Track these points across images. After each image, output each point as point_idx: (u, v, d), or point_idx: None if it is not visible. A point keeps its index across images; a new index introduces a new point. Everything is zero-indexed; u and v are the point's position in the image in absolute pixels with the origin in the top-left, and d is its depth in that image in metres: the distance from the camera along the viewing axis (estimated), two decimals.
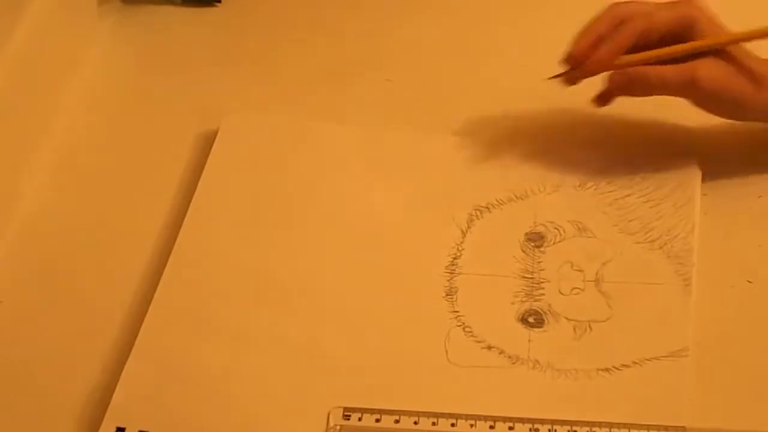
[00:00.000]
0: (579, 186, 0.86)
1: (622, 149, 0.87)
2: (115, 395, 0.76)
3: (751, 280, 0.80)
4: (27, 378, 0.79)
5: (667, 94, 0.81)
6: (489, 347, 0.78)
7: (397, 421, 0.74)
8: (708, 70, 0.79)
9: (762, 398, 0.75)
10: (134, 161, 0.92)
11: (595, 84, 0.85)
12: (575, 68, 0.82)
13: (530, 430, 0.73)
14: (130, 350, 0.78)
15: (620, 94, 0.83)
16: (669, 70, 0.80)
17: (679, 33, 0.80)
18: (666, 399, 0.74)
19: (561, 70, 0.84)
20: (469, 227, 0.85)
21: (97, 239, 0.87)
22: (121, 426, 0.75)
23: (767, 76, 0.80)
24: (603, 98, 0.85)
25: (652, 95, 0.82)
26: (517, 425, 0.73)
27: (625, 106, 0.89)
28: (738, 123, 0.84)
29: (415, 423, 0.74)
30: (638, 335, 0.77)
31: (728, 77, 0.79)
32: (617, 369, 0.76)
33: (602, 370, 0.76)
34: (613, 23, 0.81)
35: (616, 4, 0.82)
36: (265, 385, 0.77)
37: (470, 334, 0.79)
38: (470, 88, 0.95)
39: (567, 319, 0.79)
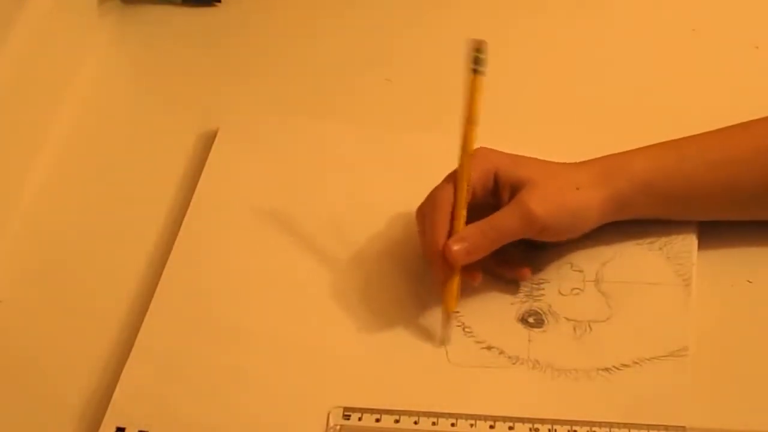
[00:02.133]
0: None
1: (622, 149, 0.87)
2: (115, 395, 0.76)
3: (751, 280, 0.80)
4: (27, 378, 0.79)
5: (511, 240, 0.77)
6: (489, 347, 0.78)
7: (397, 421, 0.74)
8: (536, 198, 0.76)
9: (762, 398, 0.75)
10: (134, 161, 0.92)
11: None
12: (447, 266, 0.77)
13: (530, 430, 0.73)
14: (130, 350, 0.78)
15: (467, 262, 0.76)
16: (503, 217, 0.76)
17: (489, 185, 0.78)
18: (666, 399, 0.74)
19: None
20: None
21: (97, 239, 0.87)
22: (121, 426, 0.75)
23: (585, 180, 0.77)
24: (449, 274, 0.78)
25: (496, 248, 0.77)
26: (517, 425, 0.73)
27: (625, 106, 0.89)
28: None
29: (415, 423, 0.74)
30: (638, 335, 0.77)
31: (557, 194, 0.76)
32: (617, 369, 0.76)
33: (602, 370, 0.76)
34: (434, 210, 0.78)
35: (432, 191, 0.78)
36: (265, 384, 0.77)
37: (470, 334, 0.79)
38: None
39: (567, 319, 0.79)
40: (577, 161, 0.80)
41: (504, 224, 0.76)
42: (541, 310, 0.79)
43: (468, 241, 0.76)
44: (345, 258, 0.83)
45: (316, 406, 0.75)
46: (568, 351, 0.77)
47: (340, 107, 0.94)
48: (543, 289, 0.81)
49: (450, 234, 0.76)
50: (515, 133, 0.90)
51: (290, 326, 0.80)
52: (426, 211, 0.78)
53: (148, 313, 0.80)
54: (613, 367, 0.76)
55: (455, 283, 0.77)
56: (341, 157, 0.90)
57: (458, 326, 0.79)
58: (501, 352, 0.77)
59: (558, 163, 0.79)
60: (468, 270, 0.77)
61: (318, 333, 0.79)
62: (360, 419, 0.74)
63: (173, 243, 0.84)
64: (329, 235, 0.85)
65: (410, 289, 0.81)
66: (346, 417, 0.74)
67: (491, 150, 0.79)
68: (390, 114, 0.94)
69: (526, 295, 0.80)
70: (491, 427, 0.73)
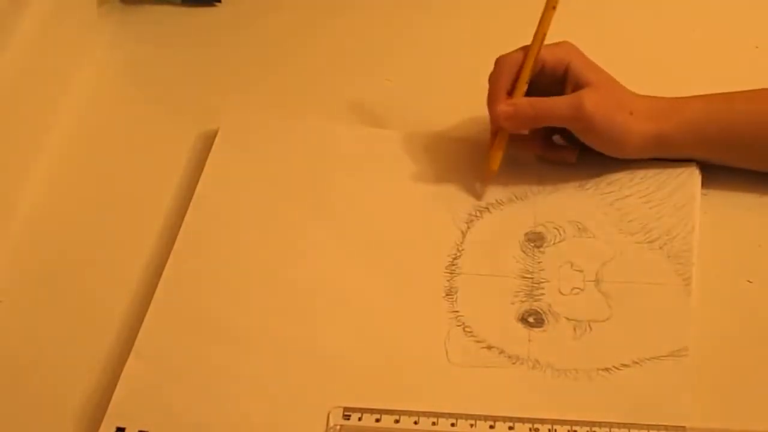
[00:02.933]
0: (579, 186, 0.86)
1: None
2: (115, 395, 0.76)
3: (751, 280, 0.80)
4: (27, 378, 0.79)
5: (556, 124, 0.84)
6: (489, 347, 0.78)
7: (397, 421, 0.74)
8: (592, 99, 0.82)
9: (762, 398, 0.75)
10: (134, 161, 0.92)
11: None
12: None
13: (530, 430, 0.73)
14: (130, 350, 0.78)
15: (512, 128, 0.85)
16: (556, 100, 0.83)
17: (559, 73, 0.84)
18: (666, 399, 0.74)
19: None
20: (469, 227, 0.85)
21: (97, 239, 0.87)
22: (121, 426, 0.75)
23: (640, 110, 0.83)
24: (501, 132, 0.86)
25: (541, 125, 0.85)
26: (517, 425, 0.73)
27: None
28: None
29: (415, 423, 0.74)
30: (638, 335, 0.77)
31: (611, 106, 0.82)
32: (617, 369, 0.76)
33: (602, 370, 0.76)
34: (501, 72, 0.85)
35: (500, 56, 0.86)
36: (266, 385, 0.77)
37: (470, 334, 0.79)
38: (470, 88, 0.95)
39: (567, 319, 0.79)
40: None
41: (554, 105, 0.83)
42: (541, 309, 0.79)
43: (514, 107, 0.83)
44: (345, 258, 0.83)
45: (316, 406, 0.75)
46: (568, 351, 0.77)
47: (340, 107, 0.94)
48: (543, 288, 0.81)
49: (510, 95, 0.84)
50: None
51: (290, 326, 0.80)
52: (493, 72, 0.85)
53: (148, 313, 0.80)
54: (613, 367, 0.76)
55: (498, 143, 0.84)
56: (341, 157, 0.90)
57: (458, 326, 0.79)
58: (501, 352, 0.78)
59: (624, 87, 0.85)
60: (522, 143, 0.86)
61: (318, 333, 0.79)
62: (360, 419, 0.74)
63: (173, 243, 0.84)
64: (329, 235, 0.85)
65: (410, 289, 0.81)
66: (346, 417, 0.74)
67: (573, 46, 0.85)
68: (390, 114, 0.94)
69: (526, 295, 0.80)
70: (491, 427, 0.73)
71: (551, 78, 0.84)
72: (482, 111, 0.89)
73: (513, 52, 0.85)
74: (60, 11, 0.95)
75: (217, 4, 1.05)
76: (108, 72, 1.00)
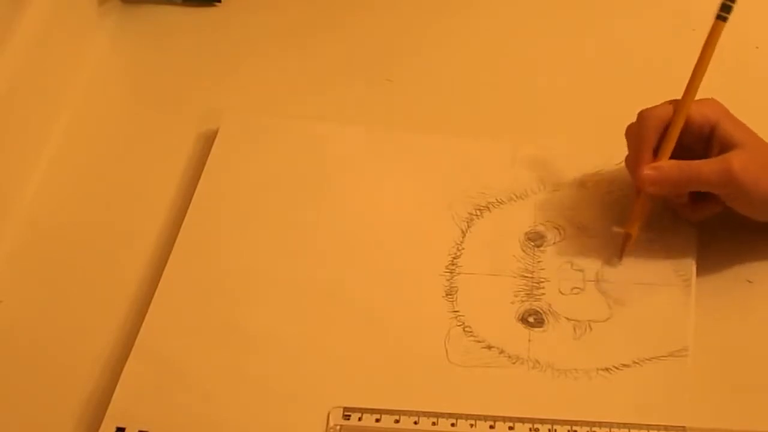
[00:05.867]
0: (579, 186, 0.86)
1: (621, 149, 0.87)
2: (115, 395, 0.76)
3: (751, 280, 0.80)
4: (27, 378, 0.79)
5: (703, 189, 0.79)
6: (489, 347, 0.78)
7: (397, 421, 0.74)
8: (742, 163, 0.77)
9: (762, 398, 0.75)
10: (134, 161, 0.92)
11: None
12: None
13: (530, 430, 0.73)
14: (130, 350, 0.78)
15: (657, 192, 0.79)
16: (704, 164, 0.78)
17: (704, 132, 0.79)
18: (666, 399, 0.74)
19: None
20: (469, 227, 0.85)
21: (97, 239, 0.87)
22: (121, 426, 0.75)
23: None
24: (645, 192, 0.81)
25: (688, 191, 0.80)
26: (517, 425, 0.73)
27: (625, 107, 0.89)
28: None
29: (415, 423, 0.74)
30: (638, 335, 0.77)
31: (761, 170, 0.77)
32: (617, 369, 0.76)
33: (602, 370, 0.76)
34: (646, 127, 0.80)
35: (645, 111, 0.80)
36: (265, 384, 0.77)
37: (470, 334, 0.79)
38: (471, 89, 0.95)
39: (567, 319, 0.79)
40: None
41: (703, 170, 0.77)
42: (542, 309, 0.79)
43: (661, 171, 0.78)
44: (345, 258, 0.83)
45: (316, 406, 0.75)
46: (568, 351, 0.77)
47: (340, 107, 0.94)
48: (543, 288, 0.81)
49: (656, 154, 0.79)
50: (516, 135, 0.91)
51: (290, 326, 0.80)
52: (636, 127, 0.80)
53: (148, 313, 0.80)
54: (613, 367, 0.76)
55: (640, 207, 0.79)
56: (341, 157, 0.90)
57: (458, 326, 0.79)
58: (501, 352, 0.78)
59: None
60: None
61: (318, 333, 0.79)
62: (360, 419, 0.74)
63: (173, 243, 0.84)
64: (329, 235, 0.85)
65: (410, 288, 0.81)
66: (346, 417, 0.74)
67: (720, 103, 0.80)
68: (390, 114, 0.94)
69: (527, 295, 0.80)
70: (491, 427, 0.73)
71: (695, 136, 0.79)
72: (482, 110, 0.89)
73: (660, 106, 0.80)
74: (60, 11, 0.95)
75: (217, 4, 1.05)
76: (108, 72, 1.00)
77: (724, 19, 0.79)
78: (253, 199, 0.87)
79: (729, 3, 0.78)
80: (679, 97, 0.80)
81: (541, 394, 0.75)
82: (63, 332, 0.81)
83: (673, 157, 0.79)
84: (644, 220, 0.80)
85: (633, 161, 0.80)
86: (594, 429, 0.73)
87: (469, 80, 0.96)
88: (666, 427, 0.72)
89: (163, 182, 0.90)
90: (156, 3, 1.05)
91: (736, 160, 0.77)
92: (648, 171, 0.78)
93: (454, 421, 0.74)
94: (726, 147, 0.78)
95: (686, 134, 0.79)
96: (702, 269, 0.80)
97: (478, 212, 0.85)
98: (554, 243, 0.83)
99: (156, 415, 0.75)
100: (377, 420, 0.74)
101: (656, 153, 0.79)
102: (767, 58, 0.96)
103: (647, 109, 0.80)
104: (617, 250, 0.81)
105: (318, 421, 0.74)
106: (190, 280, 0.82)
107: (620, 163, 0.84)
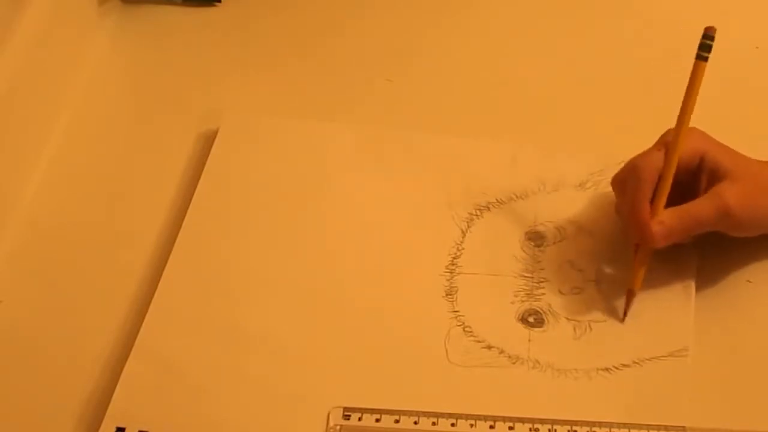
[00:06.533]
0: (579, 186, 0.86)
1: (622, 149, 0.87)
2: (115, 395, 0.76)
3: (751, 280, 0.80)
4: (27, 378, 0.79)
5: (704, 230, 0.78)
6: (489, 347, 0.78)
7: (397, 421, 0.74)
8: (735, 194, 0.76)
9: (762, 398, 0.75)
10: (134, 161, 0.92)
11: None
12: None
13: (530, 430, 0.73)
14: (130, 350, 0.78)
15: (663, 245, 0.78)
16: (700, 207, 0.77)
17: (693, 165, 0.78)
18: (666, 399, 0.74)
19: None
20: (469, 227, 0.85)
21: (97, 239, 0.87)
22: (121, 426, 0.75)
23: None
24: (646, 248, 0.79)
25: (690, 236, 0.78)
26: (517, 425, 0.73)
27: (625, 107, 0.89)
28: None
29: (415, 423, 0.74)
30: (638, 335, 0.77)
31: (755, 195, 0.77)
32: (617, 369, 0.76)
33: (602, 370, 0.76)
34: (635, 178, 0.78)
35: (636, 160, 0.79)
36: (265, 384, 0.77)
37: (470, 334, 0.79)
38: (471, 89, 0.95)
39: (567, 319, 0.79)
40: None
41: (701, 214, 0.77)
42: (542, 309, 0.79)
43: (665, 226, 0.76)
44: (345, 258, 0.83)
45: (316, 406, 0.75)
46: (568, 351, 0.77)
47: (340, 107, 0.94)
48: (543, 288, 0.81)
49: (651, 205, 0.77)
50: (516, 135, 0.91)
51: (290, 326, 0.80)
52: (627, 178, 0.79)
53: (148, 313, 0.80)
54: (613, 367, 0.76)
55: (642, 260, 0.78)
56: (341, 157, 0.90)
57: (458, 326, 0.79)
58: (501, 352, 0.78)
59: (758, 161, 0.80)
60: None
61: (318, 333, 0.79)
62: (360, 419, 0.74)
63: (173, 243, 0.84)
64: (329, 235, 0.85)
65: (410, 288, 0.81)
66: (346, 417, 0.74)
67: (703, 133, 0.79)
68: (390, 114, 0.94)
69: (527, 295, 0.80)
70: (491, 427, 0.73)
71: (684, 169, 0.78)
72: (482, 110, 0.89)
73: (651, 155, 0.78)
74: (60, 11, 0.95)
75: (217, 4, 1.05)
76: (108, 72, 1.00)
77: (705, 59, 0.77)
78: (253, 199, 0.87)
79: (708, 42, 0.77)
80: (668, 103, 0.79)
81: (541, 394, 0.75)
82: (63, 332, 0.81)
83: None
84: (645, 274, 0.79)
85: (630, 214, 0.77)
86: (594, 429, 0.73)
87: (469, 80, 0.96)
88: (666, 427, 0.72)
89: (163, 182, 0.90)
90: (156, 3, 1.05)
91: (729, 195, 0.76)
92: (658, 229, 0.76)
93: (454, 421, 0.74)
94: (715, 177, 0.77)
95: (677, 170, 0.78)
96: (702, 269, 0.80)
97: (478, 212, 0.85)
98: (554, 243, 0.83)
99: (156, 415, 0.75)
100: (377, 420, 0.74)
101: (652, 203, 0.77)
102: (767, 58, 0.96)
103: (639, 160, 0.78)
104: (626, 307, 0.79)
105: (318, 421, 0.74)
106: (190, 280, 0.82)
107: (620, 163, 0.84)
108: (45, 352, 0.80)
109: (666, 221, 0.77)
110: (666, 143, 0.78)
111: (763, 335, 0.78)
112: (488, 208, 0.86)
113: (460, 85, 0.96)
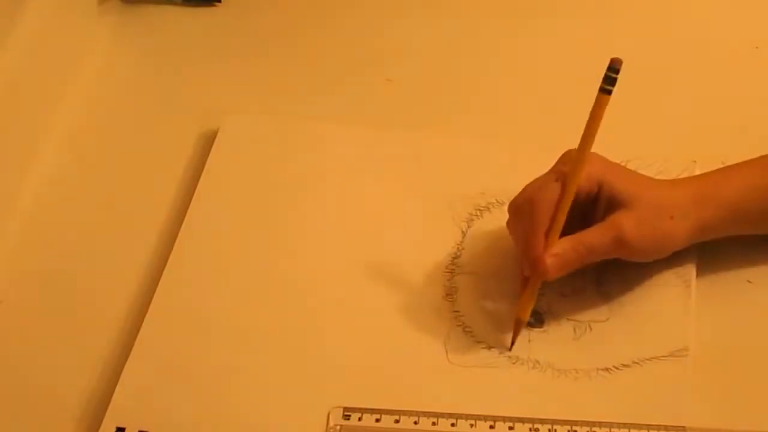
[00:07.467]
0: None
1: (622, 149, 0.87)
2: (115, 395, 0.76)
3: (751, 280, 0.80)
4: (27, 378, 0.79)
5: (600, 259, 0.77)
6: (489, 347, 0.78)
7: (397, 421, 0.74)
8: (631, 223, 0.76)
9: (762, 398, 0.75)
10: (134, 161, 0.92)
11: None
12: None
13: (530, 430, 0.73)
14: (130, 350, 0.78)
15: (557, 276, 0.76)
16: (596, 237, 0.76)
17: (592, 192, 0.77)
18: (666, 399, 0.74)
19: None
20: (469, 227, 0.85)
21: (97, 239, 0.87)
22: (121, 426, 0.75)
23: (679, 208, 0.77)
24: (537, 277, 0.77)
25: (584, 264, 0.77)
26: (517, 425, 0.73)
27: (624, 107, 0.89)
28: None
29: (415, 423, 0.74)
30: (638, 335, 0.77)
31: (651, 221, 0.77)
32: (617, 369, 0.76)
33: (602, 370, 0.76)
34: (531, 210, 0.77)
35: (533, 192, 0.77)
36: (265, 384, 0.77)
37: (470, 334, 0.79)
38: (470, 89, 0.95)
39: (567, 319, 0.79)
40: (673, 179, 0.80)
41: (596, 244, 0.76)
42: (542, 309, 0.79)
43: (561, 257, 0.76)
44: (345, 258, 0.83)
45: (316, 406, 0.75)
46: (568, 351, 0.77)
47: (340, 107, 0.94)
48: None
49: (546, 236, 0.75)
50: (516, 135, 0.91)
51: (290, 326, 0.80)
52: (524, 209, 0.77)
53: (148, 313, 0.80)
54: (613, 367, 0.76)
55: (531, 291, 0.77)
56: (341, 157, 0.90)
57: (458, 326, 0.79)
58: (501, 352, 0.77)
59: (656, 183, 0.79)
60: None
61: (318, 333, 0.79)
62: (360, 419, 0.74)
63: (173, 243, 0.84)
64: (329, 236, 0.85)
65: (410, 289, 0.81)
66: (346, 417, 0.74)
67: (601, 158, 0.78)
68: (390, 114, 0.94)
69: None
70: (491, 427, 0.73)
71: (582, 197, 0.77)
72: (482, 111, 0.89)
73: (548, 187, 0.76)
74: (60, 11, 0.95)
75: (217, 4, 1.05)
76: (108, 72, 1.00)
77: (609, 92, 0.75)
78: (253, 199, 0.87)
79: (613, 75, 0.74)
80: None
81: (541, 394, 0.75)
82: (63, 332, 0.81)
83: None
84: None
85: (525, 246, 0.76)
86: (594, 429, 0.73)
87: (469, 80, 0.96)
88: (666, 427, 0.72)
89: (163, 182, 0.90)
90: (156, 3, 1.05)
91: (624, 224, 0.76)
92: (552, 260, 0.75)
93: (454, 421, 0.74)
94: (612, 204, 0.76)
95: (575, 198, 0.77)
96: (702, 269, 0.80)
97: (478, 212, 0.85)
98: None
99: (156, 415, 0.75)
100: (377, 420, 0.74)
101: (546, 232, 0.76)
102: (767, 58, 0.96)
103: (535, 192, 0.76)
104: (514, 336, 0.77)
105: (318, 421, 0.74)
106: (190, 280, 0.82)
107: (620, 162, 0.83)
108: (45, 352, 0.80)
109: (560, 253, 0.75)
110: (563, 174, 0.76)
111: (763, 335, 0.78)
112: (488, 208, 0.85)
113: (460, 85, 0.96)
